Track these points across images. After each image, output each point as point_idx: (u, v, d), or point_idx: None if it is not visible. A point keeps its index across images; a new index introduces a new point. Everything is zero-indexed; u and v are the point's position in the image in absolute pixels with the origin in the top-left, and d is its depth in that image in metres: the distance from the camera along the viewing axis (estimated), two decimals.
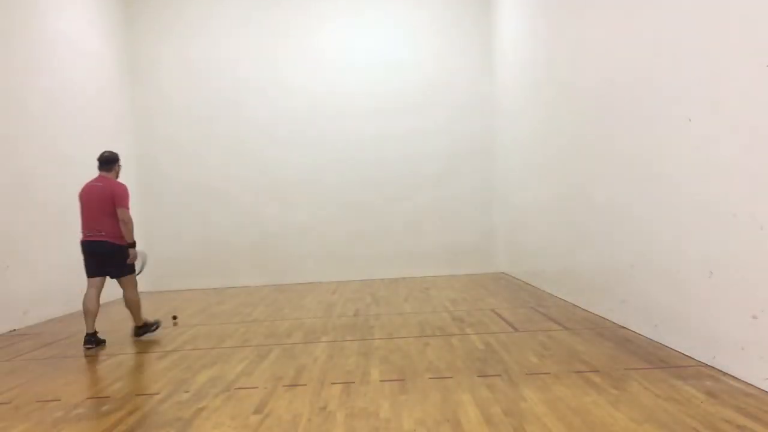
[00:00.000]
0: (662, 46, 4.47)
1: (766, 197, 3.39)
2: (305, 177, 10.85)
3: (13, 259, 7.19)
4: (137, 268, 6.07)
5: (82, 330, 5.71)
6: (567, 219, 6.86)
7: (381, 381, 4.11)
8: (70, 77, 8.86)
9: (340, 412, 3.49)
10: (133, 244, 5.89)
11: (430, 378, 4.11)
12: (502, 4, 9.86)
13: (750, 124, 3.50)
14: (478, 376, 4.08)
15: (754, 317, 3.49)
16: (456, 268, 10.67)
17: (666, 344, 4.56)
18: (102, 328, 7.02)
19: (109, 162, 6.15)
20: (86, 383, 4.46)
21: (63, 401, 4.02)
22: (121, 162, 6.32)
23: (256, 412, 3.58)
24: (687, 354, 4.25)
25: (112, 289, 9.67)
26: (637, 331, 5.05)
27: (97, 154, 5.95)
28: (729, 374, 3.75)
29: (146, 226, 10.76)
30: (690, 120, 4.10)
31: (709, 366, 3.96)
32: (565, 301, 6.99)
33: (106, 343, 5.89)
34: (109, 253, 5.80)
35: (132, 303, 6.05)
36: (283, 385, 4.12)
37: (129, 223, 5.84)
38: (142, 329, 6.17)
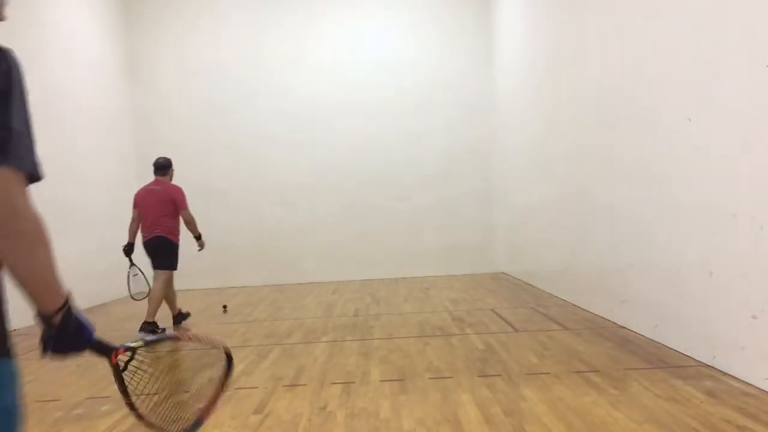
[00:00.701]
0: (662, 47, 4.47)
1: (766, 197, 3.39)
2: (305, 177, 10.86)
3: None
4: (143, 292, 6.45)
5: None
6: (567, 219, 6.86)
7: (381, 381, 4.11)
8: (71, 78, 8.86)
9: (340, 412, 3.49)
10: (199, 236, 6.69)
11: (430, 378, 4.11)
12: (502, 5, 9.86)
13: (750, 125, 3.50)
14: (478, 376, 4.08)
15: (754, 317, 3.49)
16: (456, 268, 10.67)
17: (666, 344, 4.56)
18: (101, 328, 7.03)
19: (164, 167, 6.65)
20: (86, 383, 4.46)
21: (63, 401, 4.02)
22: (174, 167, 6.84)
23: (256, 412, 3.58)
24: (687, 354, 4.25)
25: (112, 288, 9.66)
26: (637, 331, 5.05)
27: (97, 154, 6.02)
28: (729, 374, 3.75)
29: None
30: (690, 120, 4.10)
31: (709, 366, 3.96)
32: (565, 301, 6.99)
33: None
34: (159, 245, 6.41)
35: (155, 296, 6.41)
36: (283, 385, 4.12)
37: (193, 221, 6.56)
38: (149, 325, 6.38)
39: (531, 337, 5.26)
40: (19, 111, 1.17)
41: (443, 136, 10.80)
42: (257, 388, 4.09)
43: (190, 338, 1.64)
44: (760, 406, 3.21)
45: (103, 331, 6.68)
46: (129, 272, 6.47)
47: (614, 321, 5.54)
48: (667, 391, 3.55)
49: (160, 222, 6.43)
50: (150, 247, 6.46)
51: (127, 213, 10.54)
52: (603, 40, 5.62)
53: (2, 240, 1.15)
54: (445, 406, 3.49)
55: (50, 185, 8.68)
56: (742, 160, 3.57)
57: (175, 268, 6.57)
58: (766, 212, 3.39)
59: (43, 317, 1.27)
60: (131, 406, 1.42)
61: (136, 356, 1.51)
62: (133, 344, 1.52)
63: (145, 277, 6.52)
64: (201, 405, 1.51)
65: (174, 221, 6.48)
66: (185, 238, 10.86)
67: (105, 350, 1.44)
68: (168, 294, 6.62)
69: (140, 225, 6.55)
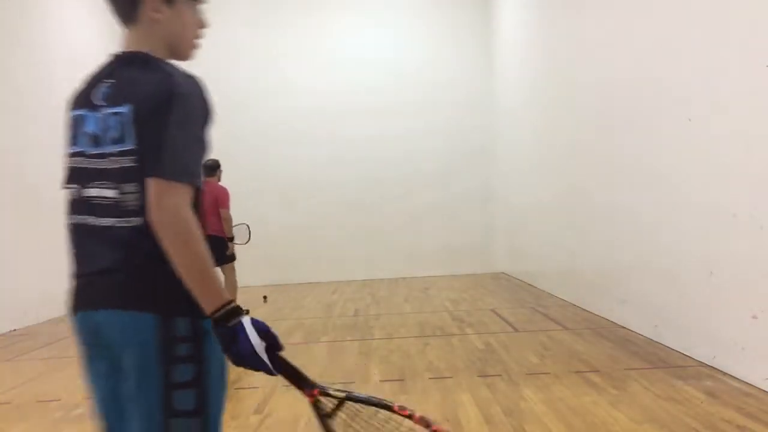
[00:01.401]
0: (662, 46, 4.47)
1: (766, 197, 3.39)
2: (305, 177, 10.85)
3: (12, 259, 7.18)
4: (244, 239, 6.97)
5: None
6: (567, 219, 6.86)
7: (381, 381, 4.11)
8: (71, 79, 8.83)
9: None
10: (231, 239, 6.89)
11: (430, 378, 4.11)
12: (502, 6, 9.86)
13: (750, 124, 3.50)
14: (478, 376, 4.08)
15: (754, 317, 3.49)
16: (456, 268, 10.66)
17: (666, 344, 4.56)
18: None
19: (212, 169, 6.98)
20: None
21: (63, 401, 4.01)
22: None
23: (256, 412, 3.58)
24: (687, 354, 4.25)
25: None
26: (637, 331, 5.05)
27: None
28: (729, 374, 3.75)
29: None
30: (690, 120, 4.10)
31: (709, 366, 3.96)
32: (565, 301, 6.99)
33: None
34: (212, 246, 6.48)
35: (230, 286, 6.91)
36: (283, 385, 4.10)
37: (229, 220, 6.89)
38: None
39: (531, 337, 5.26)
40: (178, 132, 1.37)
41: (443, 136, 10.80)
42: (257, 388, 4.09)
43: (407, 414, 1.49)
44: (760, 406, 3.21)
45: None
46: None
47: (614, 321, 5.54)
48: (667, 391, 3.55)
49: (209, 221, 6.69)
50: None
51: None
52: (603, 40, 5.62)
53: (161, 234, 1.32)
54: (445, 406, 3.49)
55: (50, 185, 8.67)
56: (742, 160, 3.57)
57: (235, 259, 7.12)
58: (766, 212, 3.39)
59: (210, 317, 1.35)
60: None
61: (345, 408, 1.54)
62: (333, 392, 1.54)
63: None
64: None
65: (219, 218, 6.90)
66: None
67: (299, 382, 1.54)
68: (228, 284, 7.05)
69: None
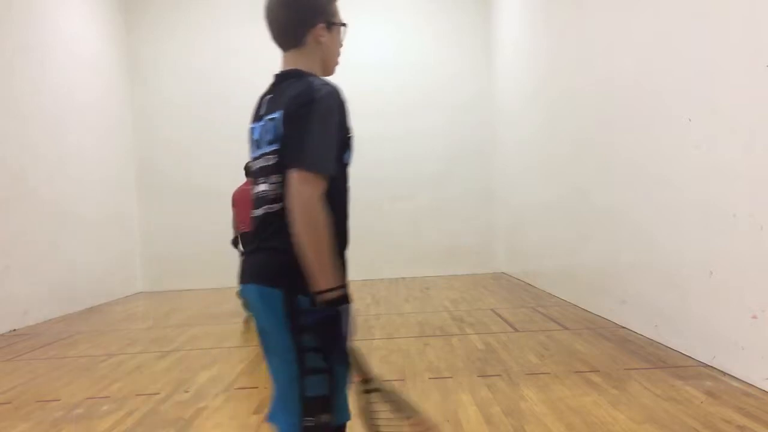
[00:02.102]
0: (662, 47, 4.47)
1: (766, 197, 3.39)
2: None
3: (13, 259, 7.19)
4: None
5: (82, 330, 5.71)
6: (567, 219, 6.86)
7: (381, 381, 4.10)
8: (71, 79, 8.86)
9: None
10: None
11: (430, 378, 4.11)
12: (502, 6, 9.86)
13: (749, 125, 3.50)
14: (478, 376, 4.08)
15: (754, 317, 3.49)
16: (456, 268, 10.66)
17: (666, 344, 4.56)
18: (101, 329, 7.03)
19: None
20: (86, 383, 4.46)
21: (63, 401, 4.02)
22: None
23: (256, 412, 3.58)
24: (687, 354, 4.25)
25: (112, 288, 9.67)
26: (637, 331, 5.05)
27: (97, 155, 6.06)
28: (729, 374, 3.75)
29: (146, 226, 10.78)
30: (690, 120, 4.10)
31: (709, 366, 3.96)
32: (565, 301, 6.99)
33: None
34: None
35: None
36: None
37: None
38: None
39: (531, 337, 5.26)
40: (316, 128, 1.57)
41: (443, 135, 10.80)
42: (257, 388, 4.09)
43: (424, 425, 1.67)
44: (760, 406, 3.22)
45: (103, 331, 6.70)
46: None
47: (614, 321, 5.54)
48: (667, 391, 3.55)
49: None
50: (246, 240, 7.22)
51: (126, 213, 10.56)
52: (603, 40, 5.62)
53: (293, 217, 1.53)
54: (445, 406, 3.49)
55: (50, 185, 8.70)
56: (742, 160, 3.57)
57: None
58: (766, 212, 3.39)
59: (315, 295, 1.53)
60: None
61: (373, 395, 1.70)
62: (376, 384, 1.71)
63: None
64: None
65: None
66: (186, 238, 10.84)
67: (358, 367, 1.65)
68: None
69: (234, 219, 7.43)
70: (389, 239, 10.76)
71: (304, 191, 1.51)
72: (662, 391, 3.54)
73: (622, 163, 5.23)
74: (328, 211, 1.55)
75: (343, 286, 1.56)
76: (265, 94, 1.78)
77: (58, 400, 4.06)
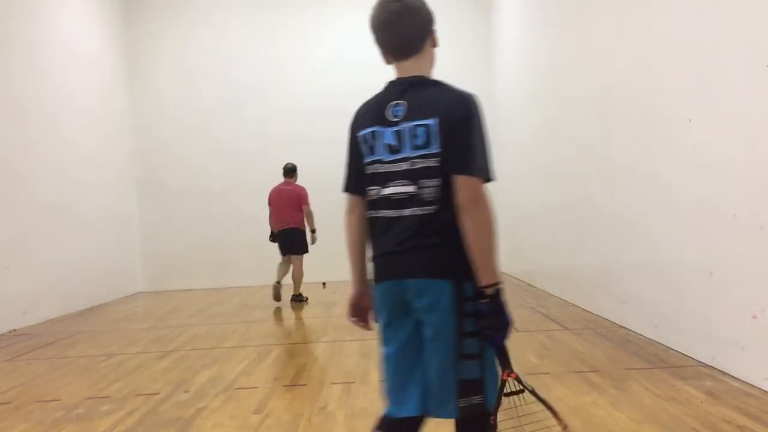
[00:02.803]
0: (662, 47, 4.47)
1: (766, 197, 3.39)
2: (304, 177, 10.80)
3: (13, 259, 7.19)
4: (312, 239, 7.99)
5: (82, 330, 5.72)
6: (567, 219, 6.86)
7: (381, 381, 4.10)
8: (71, 79, 8.86)
9: (340, 412, 3.49)
10: (314, 230, 8.00)
11: None
12: (501, 7, 9.86)
13: (750, 125, 3.50)
14: None
15: (754, 317, 3.49)
16: None
17: (666, 344, 4.56)
18: (101, 329, 7.04)
19: (291, 171, 8.31)
20: (86, 383, 4.46)
21: (63, 401, 4.02)
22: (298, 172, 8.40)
23: (256, 412, 3.58)
24: (687, 354, 4.25)
25: (112, 288, 9.66)
26: (637, 331, 5.05)
27: (97, 155, 6.08)
28: (729, 374, 3.75)
29: (146, 226, 10.78)
30: (690, 120, 4.10)
31: (709, 366, 3.96)
32: (565, 301, 6.99)
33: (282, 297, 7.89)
34: (293, 236, 7.91)
35: (297, 276, 7.99)
36: (283, 385, 4.12)
37: (311, 215, 7.97)
38: (297, 297, 8.06)
39: (531, 337, 5.25)
40: (479, 138, 1.78)
41: None
42: (257, 388, 4.09)
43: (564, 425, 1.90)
44: (760, 406, 3.21)
45: (103, 331, 6.70)
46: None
47: (614, 321, 5.54)
48: (667, 391, 3.55)
49: (290, 215, 7.88)
50: (283, 236, 7.94)
51: (126, 213, 10.56)
52: (602, 40, 5.62)
53: (467, 219, 1.71)
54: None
55: (50, 185, 8.70)
56: (742, 160, 3.57)
57: (308, 252, 8.03)
58: (766, 212, 3.39)
59: (481, 290, 1.72)
60: (494, 422, 1.79)
61: (521, 394, 1.89)
62: (527, 385, 1.90)
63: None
64: None
65: (300, 214, 7.90)
66: (186, 238, 10.87)
67: (505, 362, 1.84)
68: (295, 275, 8.07)
69: (273, 217, 8.03)
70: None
71: (480, 198, 1.74)
72: (662, 391, 3.54)
73: (622, 163, 5.23)
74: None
75: (501, 281, 1.75)
76: (389, 99, 1.85)
77: (58, 400, 4.06)
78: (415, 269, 1.76)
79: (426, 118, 1.75)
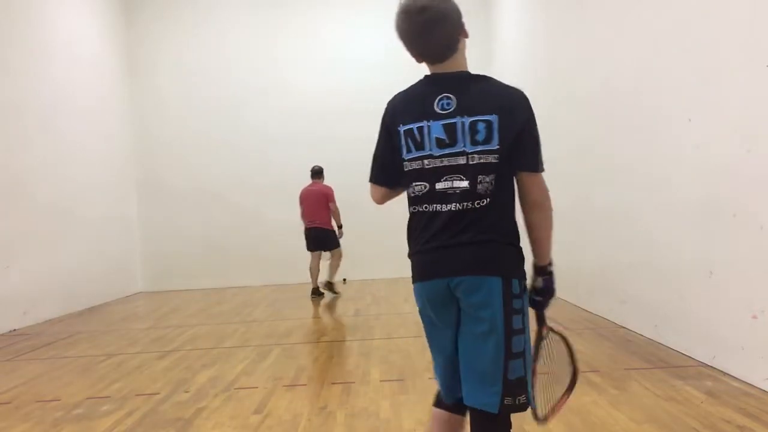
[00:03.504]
0: (662, 47, 4.47)
1: (766, 197, 3.39)
2: (305, 177, 10.83)
3: (13, 259, 7.19)
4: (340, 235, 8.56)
5: (82, 330, 5.71)
6: (567, 219, 6.85)
7: (381, 381, 4.11)
8: (70, 79, 8.86)
9: (340, 412, 3.49)
10: (341, 226, 8.53)
11: (430, 378, 4.10)
12: (501, 6, 9.86)
13: (750, 124, 3.50)
14: None
15: (754, 317, 3.49)
16: None
17: (666, 344, 4.56)
18: (101, 329, 7.04)
19: (318, 173, 8.87)
20: (86, 383, 4.46)
21: (63, 401, 4.02)
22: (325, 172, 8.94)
23: (256, 412, 3.58)
24: (687, 354, 4.25)
25: (112, 288, 9.65)
26: (637, 331, 5.05)
27: (97, 155, 6.08)
28: (729, 374, 3.75)
29: (146, 226, 10.78)
30: (690, 120, 4.10)
31: (709, 366, 3.96)
32: (565, 301, 6.99)
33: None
34: (323, 236, 8.39)
35: (334, 266, 8.54)
36: (283, 385, 4.12)
37: (337, 212, 8.50)
38: (328, 285, 8.52)
39: (531, 337, 5.24)
40: (538, 135, 1.84)
41: None
42: (257, 388, 4.09)
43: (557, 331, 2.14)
44: (760, 406, 3.21)
45: (103, 331, 6.68)
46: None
47: (614, 321, 5.54)
48: (667, 391, 3.55)
49: (318, 214, 8.36)
50: (313, 233, 8.42)
51: (126, 213, 10.56)
52: (603, 40, 5.62)
53: (538, 212, 1.88)
54: None
55: (50, 185, 8.68)
56: (742, 160, 3.57)
57: (339, 246, 8.56)
58: (766, 212, 3.39)
59: (539, 269, 1.99)
60: (533, 370, 2.00)
61: (551, 336, 2.13)
62: (555, 327, 2.13)
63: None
64: (553, 402, 2.18)
65: (327, 212, 8.41)
66: (186, 238, 10.89)
67: (542, 319, 2.07)
68: (332, 264, 8.58)
69: (303, 215, 8.50)
70: (389, 239, 10.73)
71: (547, 193, 1.86)
72: (662, 391, 3.54)
73: (622, 163, 5.23)
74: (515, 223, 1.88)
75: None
76: (435, 93, 1.83)
77: (58, 400, 4.06)
78: (467, 265, 1.80)
79: (486, 114, 1.76)
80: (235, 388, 4.11)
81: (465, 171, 1.77)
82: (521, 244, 1.92)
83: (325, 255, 8.59)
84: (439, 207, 1.82)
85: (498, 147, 1.75)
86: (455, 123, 1.77)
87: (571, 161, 6.58)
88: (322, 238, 8.42)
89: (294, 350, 5.25)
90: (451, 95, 1.80)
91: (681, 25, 4.21)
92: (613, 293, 5.54)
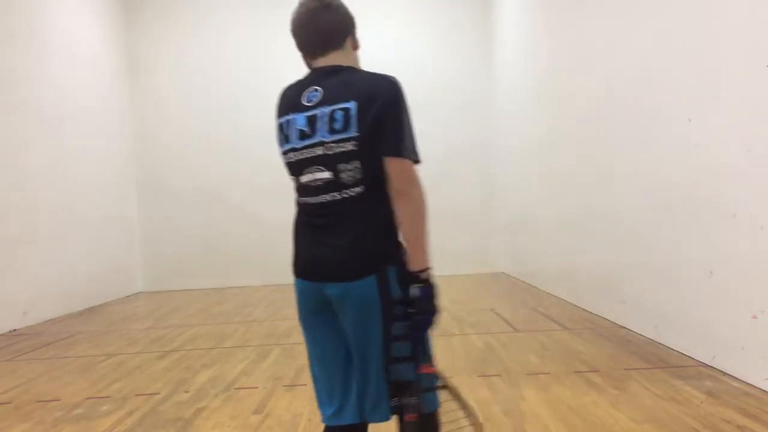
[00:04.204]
0: (662, 47, 4.47)
1: (766, 197, 3.39)
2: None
3: (13, 259, 7.19)
4: None
5: (82, 330, 5.70)
6: (567, 219, 6.86)
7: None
8: (70, 79, 8.86)
9: None
10: None
11: None
12: (501, 5, 9.86)
13: (750, 124, 3.50)
14: (478, 376, 4.08)
15: (754, 317, 3.49)
16: (456, 268, 10.66)
17: (666, 344, 4.56)
18: (101, 329, 7.04)
19: None
20: (86, 383, 4.46)
21: (63, 401, 4.02)
22: None
23: (256, 412, 3.58)
24: (687, 354, 4.25)
25: (112, 288, 9.67)
26: (637, 331, 5.05)
27: (97, 155, 6.11)
28: (729, 374, 3.75)
29: (146, 226, 10.78)
30: (690, 120, 4.10)
31: (709, 366, 3.96)
32: (565, 301, 6.99)
33: None
34: None
35: None
36: (283, 385, 4.12)
37: None
38: None
39: (531, 337, 5.26)
40: (406, 123, 1.74)
41: (443, 136, 10.79)
42: (257, 388, 4.09)
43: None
44: (760, 406, 3.22)
45: (103, 331, 6.68)
46: None
47: (614, 321, 5.54)
48: (667, 391, 3.55)
49: None
50: None
51: (126, 213, 10.56)
52: (603, 40, 5.62)
53: (402, 202, 1.68)
54: (445, 406, 3.48)
55: (50, 185, 8.68)
56: (742, 160, 3.57)
57: None
58: (766, 212, 3.39)
59: (413, 274, 1.71)
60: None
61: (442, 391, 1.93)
62: (445, 382, 1.95)
63: None
64: None
65: None
66: (186, 238, 10.87)
67: (424, 354, 1.82)
68: None
69: None
70: None
71: (414, 180, 1.69)
72: (662, 391, 3.54)
73: (622, 163, 5.23)
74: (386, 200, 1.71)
75: (432, 266, 1.74)
76: (305, 85, 1.82)
77: (58, 400, 4.06)
78: (336, 266, 1.72)
79: (345, 102, 1.71)
80: (235, 388, 4.11)
81: (325, 161, 1.73)
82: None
83: None
84: (307, 200, 1.81)
85: (357, 134, 1.69)
86: (316, 114, 1.75)
87: (571, 161, 6.58)
88: None
89: (294, 350, 5.25)
90: (319, 87, 1.78)
91: (681, 25, 4.22)
92: (613, 293, 5.54)
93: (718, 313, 3.87)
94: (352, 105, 1.70)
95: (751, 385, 3.53)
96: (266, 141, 10.74)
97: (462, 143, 10.80)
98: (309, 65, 1.90)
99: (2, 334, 6.77)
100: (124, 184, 10.40)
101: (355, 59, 1.93)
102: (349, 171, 1.70)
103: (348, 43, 1.89)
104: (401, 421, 1.76)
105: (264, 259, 10.75)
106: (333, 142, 1.71)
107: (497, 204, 10.54)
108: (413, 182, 1.69)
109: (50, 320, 7.67)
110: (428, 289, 1.72)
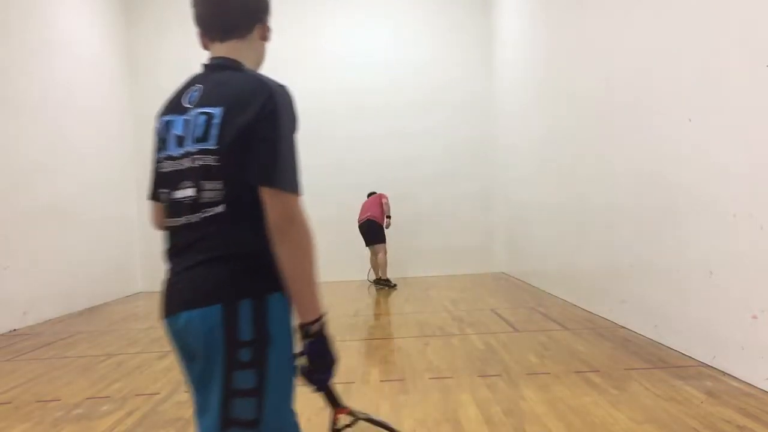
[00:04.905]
0: (662, 47, 4.47)
1: (766, 197, 3.40)
2: (305, 177, 10.78)
3: (12, 259, 7.19)
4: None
5: (82, 330, 5.68)
6: (567, 218, 6.86)
7: (381, 381, 4.11)
8: (71, 79, 8.86)
9: None
10: (389, 216, 9.27)
11: (430, 378, 4.11)
12: (502, 5, 9.86)
13: (750, 125, 3.50)
14: (478, 376, 4.08)
15: (754, 317, 3.49)
16: (456, 268, 10.66)
17: (666, 344, 4.56)
18: (101, 329, 7.04)
19: (374, 192, 9.68)
20: (86, 383, 4.46)
21: (63, 401, 4.02)
22: None
23: None
24: (687, 354, 4.25)
25: (112, 288, 9.67)
26: (637, 331, 5.05)
27: (97, 155, 6.09)
28: (729, 374, 3.75)
29: (146, 226, 10.75)
30: (690, 120, 4.10)
31: (709, 366, 3.96)
32: (565, 301, 6.99)
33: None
34: (373, 227, 9.18)
35: (382, 262, 9.22)
36: None
37: (389, 205, 9.31)
38: (383, 282, 9.20)
39: (531, 337, 5.26)
40: (285, 145, 1.39)
41: (443, 136, 10.80)
42: None
43: None
44: (760, 406, 3.22)
45: (103, 331, 6.68)
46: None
47: (614, 321, 5.54)
48: (667, 391, 3.55)
49: (372, 210, 9.22)
50: (364, 226, 9.25)
51: (126, 213, 10.56)
52: (603, 40, 5.62)
53: (279, 242, 1.36)
54: (445, 406, 3.49)
55: (51, 185, 8.69)
56: (742, 160, 3.57)
57: (384, 242, 9.22)
58: (766, 212, 3.39)
59: (303, 326, 1.43)
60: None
61: (354, 425, 1.64)
62: (360, 414, 1.64)
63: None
64: None
65: (380, 210, 9.21)
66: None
67: (334, 400, 1.61)
68: (379, 262, 9.25)
69: (359, 214, 9.38)
70: (389, 239, 10.76)
71: (295, 217, 1.37)
72: (662, 391, 3.54)
73: (622, 163, 5.23)
74: (262, 234, 1.39)
75: (324, 314, 1.44)
76: (192, 83, 1.56)
77: (58, 400, 4.06)
78: (183, 297, 1.45)
79: (211, 106, 1.42)
80: None
81: (190, 175, 1.43)
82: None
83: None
84: (173, 221, 1.50)
85: (216, 147, 1.39)
86: (189, 118, 1.46)
87: (571, 161, 6.58)
88: (374, 229, 9.16)
89: None
90: (200, 85, 1.52)
91: (681, 25, 4.22)
92: (613, 293, 5.54)
93: (718, 313, 3.87)
94: (217, 111, 1.41)
95: (751, 385, 3.53)
96: None
97: (462, 143, 10.80)
98: (205, 47, 1.64)
99: (2, 334, 6.77)
100: (124, 184, 10.40)
101: (259, 54, 1.66)
102: (211, 191, 1.40)
103: (256, 32, 1.61)
104: None
105: None
106: (197, 153, 1.42)
107: (497, 204, 10.54)
108: (293, 219, 1.36)
109: (50, 320, 7.67)
110: (320, 345, 1.43)
